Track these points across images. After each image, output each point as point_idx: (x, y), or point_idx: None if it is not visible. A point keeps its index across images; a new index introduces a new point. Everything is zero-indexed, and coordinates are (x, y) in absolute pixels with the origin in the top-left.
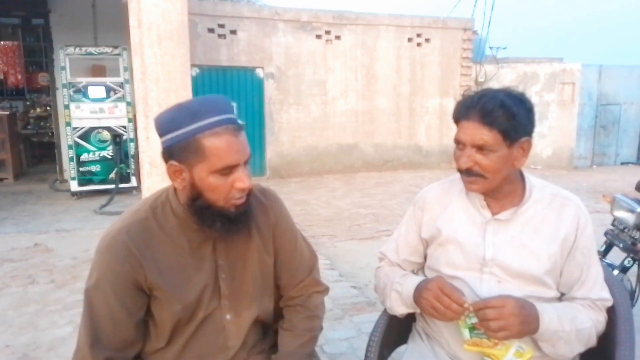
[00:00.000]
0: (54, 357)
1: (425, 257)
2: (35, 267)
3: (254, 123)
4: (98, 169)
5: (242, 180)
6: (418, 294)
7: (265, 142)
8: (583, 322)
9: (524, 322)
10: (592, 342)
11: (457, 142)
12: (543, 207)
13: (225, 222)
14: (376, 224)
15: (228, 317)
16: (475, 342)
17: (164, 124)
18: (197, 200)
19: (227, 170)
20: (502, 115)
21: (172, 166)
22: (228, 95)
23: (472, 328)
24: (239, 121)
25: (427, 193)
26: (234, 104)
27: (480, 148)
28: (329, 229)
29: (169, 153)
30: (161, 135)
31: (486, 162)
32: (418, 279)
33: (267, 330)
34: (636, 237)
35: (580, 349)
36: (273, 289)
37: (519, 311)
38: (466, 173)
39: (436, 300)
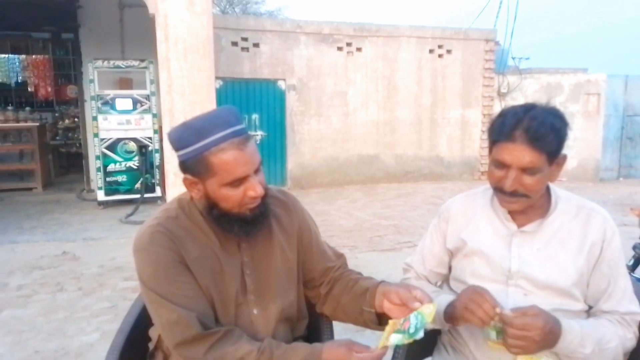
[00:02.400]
0: None
1: (450, 269)
2: (64, 275)
3: (275, 134)
4: (124, 179)
5: (254, 189)
6: (451, 306)
7: (287, 153)
8: (609, 341)
9: (542, 345)
10: (619, 359)
11: (500, 163)
12: (569, 219)
13: (243, 225)
14: (397, 236)
15: (255, 311)
16: (499, 343)
17: (175, 142)
18: (213, 209)
19: (238, 182)
20: (554, 140)
21: (187, 179)
22: (250, 107)
23: (499, 331)
24: (246, 131)
25: (451, 204)
26: (256, 116)
27: (525, 169)
28: (350, 240)
29: (184, 167)
30: (175, 150)
31: (531, 182)
32: (450, 297)
33: (294, 327)
34: None
35: None
36: (298, 285)
37: (542, 338)
38: (510, 194)
39: (470, 301)
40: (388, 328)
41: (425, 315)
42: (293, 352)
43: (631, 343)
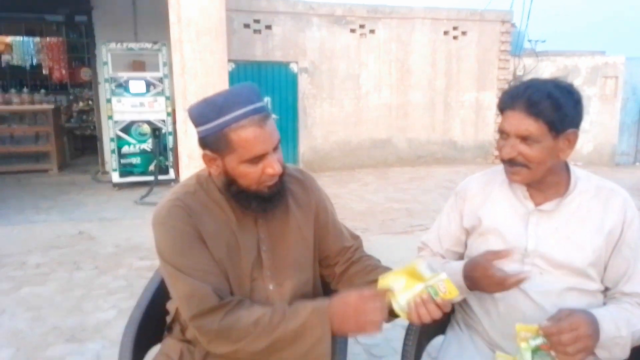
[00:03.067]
0: (99, 339)
1: (466, 247)
2: (80, 254)
3: (287, 117)
4: (138, 161)
5: (272, 166)
6: (467, 276)
7: (299, 137)
8: (636, 324)
9: (595, 339)
10: None
11: (502, 132)
12: (588, 199)
13: (261, 202)
14: (410, 219)
15: (271, 287)
16: None
17: (196, 118)
18: (231, 186)
19: (257, 160)
20: (549, 107)
21: (206, 155)
22: (262, 90)
23: (535, 350)
24: (266, 109)
25: (469, 183)
26: (268, 99)
27: (524, 138)
28: (363, 223)
29: (203, 143)
30: (195, 126)
31: (530, 152)
32: (461, 263)
33: None
34: None
35: (630, 349)
36: (314, 262)
37: (593, 330)
38: (509, 163)
39: (486, 260)
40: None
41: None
42: (303, 305)
43: None
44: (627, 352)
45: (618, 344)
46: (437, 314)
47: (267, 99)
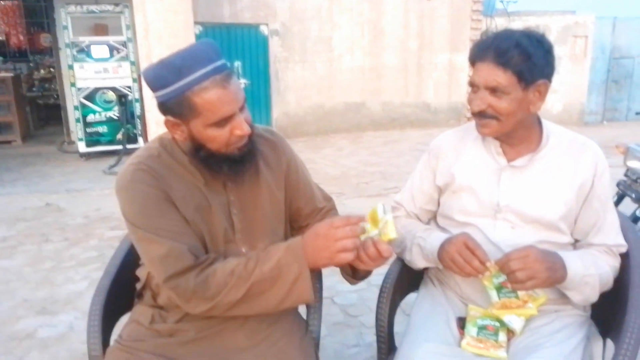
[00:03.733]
0: (71, 310)
1: (439, 205)
2: (48, 226)
3: (259, 82)
4: (105, 130)
5: (240, 127)
6: (442, 251)
7: (271, 102)
8: (602, 266)
9: (549, 268)
10: (609, 285)
11: (472, 84)
12: (560, 153)
13: (232, 164)
14: (384, 182)
15: (243, 249)
16: (504, 303)
17: (152, 81)
18: (199, 151)
19: (223, 122)
20: (517, 56)
21: (168, 121)
22: (232, 54)
23: (499, 288)
24: (227, 67)
25: (441, 140)
26: (238, 63)
27: (493, 90)
28: (337, 187)
29: (164, 108)
30: (152, 90)
31: (499, 104)
32: (443, 235)
33: None
34: None
35: (600, 291)
36: (286, 224)
37: (542, 257)
38: (479, 116)
39: (458, 254)
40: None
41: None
42: (276, 245)
43: (616, 271)
44: (596, 294)
45: (588, 283)
46: (376, 260)
47: (237, 64)
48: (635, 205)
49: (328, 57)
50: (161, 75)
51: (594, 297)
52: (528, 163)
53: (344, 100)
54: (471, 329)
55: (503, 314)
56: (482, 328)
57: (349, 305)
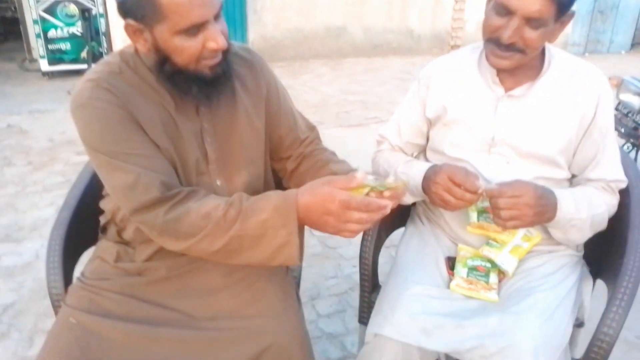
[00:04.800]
0: (37, 238)
1: (427, 139)
2: (11, 149)
3: (234, 2)
4: (68, 47)
5: (215, 39)
6: (427, 186)
7: (247, 23)
8: (598, 206)
9: (538, 213)
10: (603, 226)
11: (503, 8)
12: (562, 81)
13: (203, 86)
14: (365, 111)
15: (218, 182)
16: (481, 225)
17: None
18: (165, 65)
19: (194, 30)
20: None
21: (129, 26)
22: None
23: (481, 211)
24: None
25: (432, 68)
26: None
27: (530, 20)
28: (317, 116)
29: (123, 10)
30: None
31: (533, 36)
32: (424, 166)
33: None
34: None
35: (591, 234)
36: (265, 155)
37: (535, 202)
38: (505, 48)
39: (447, 193)
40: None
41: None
42: (264, 199)
43: (614, 209)
44: (583, 237)
45: (575, 226)
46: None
47: None
48: (622, 141)
49: None
50: None
51: (579, 240)
52: (527, 92)
53: (325, 23)
54: (461, 270)
55: (477, 233)
56: (472, 269)
57: (327, 237)
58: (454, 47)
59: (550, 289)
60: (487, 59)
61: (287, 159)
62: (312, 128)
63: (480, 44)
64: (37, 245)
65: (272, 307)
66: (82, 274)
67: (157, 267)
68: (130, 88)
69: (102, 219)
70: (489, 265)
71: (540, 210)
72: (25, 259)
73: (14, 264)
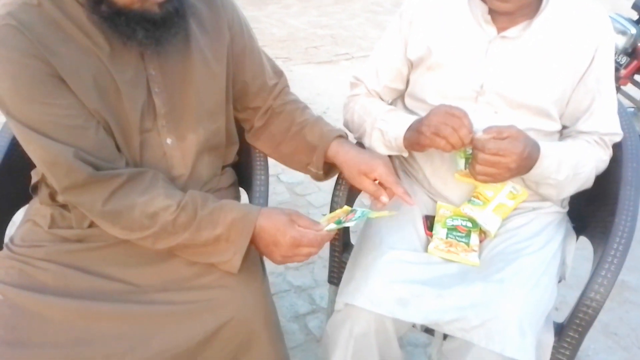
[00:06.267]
0: None
1: (408, 84)
2: None
3: None
4: None
5: None
6: (414, 130)
7: None
8: (584, 165)
9: (515, 172)
10: (589, 184)
11: None
12: (560, 21)
13: (150, 28)
14: (335, 47)
15: (169, 141)
16: (468, 174)
17: None
18: (100, 4)
19: None
20: None
21: None
22: None
23: (469, 158)
24: None
25: (415, 2)
26: None
27: None
28: (284, 51)
29: None
30: None
31: None
32: (408, 118)
33: (225, 165)
34: (621, 63)
35: (571, 192)
36: (227, 105)
37: (517, 164)
38: None
39: (443, 124)
40: (337, 211)
41: (372, 216)
42: (221, 213)
43: (604, 165)
44: (559, 195)
45: (550, 185)
46: None
47: None
48: None
49: None
50: None
51: (554, 196)
52: (522, 33)
53: None
54: (440, 230)
55: (464, 181)
56: (452, 229)
57: (296, 183)
58: None
59: (536, 252)
60: (488, 1)
61: (253, 110)
62: (280, 74)
63: None
64: None
65: (231, 275)
66: (11, 240)
67: (102, 234)
68: (51, 27)
69: (34, 176)
70: (469, 224)
71: (519, 169)
72: None
73: None
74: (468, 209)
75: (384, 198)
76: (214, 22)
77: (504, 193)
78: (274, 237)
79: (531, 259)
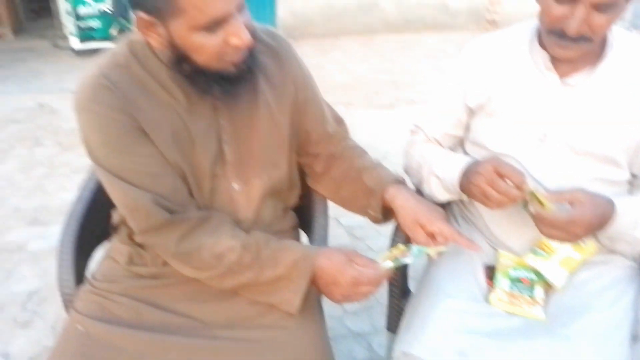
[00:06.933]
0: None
1: (468, 130)
2: (41, 129)
3: None
4: (98, 25)
5: (238, 34)
6: (466, 180)
7: None
8: None
9: (584, 235)
10: None
11: None
12: (626, 66)
13: (226, 84)
14: (396, 92)
15: (236, 186)
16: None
17: None
18: (183, 64)
19: (215, 25)
20: None
21: (141, 20)
22: None
23: (526, 205)
24: None
25: (474, 49)
26: None
27: (599, 6)
28: (345, 96)
29: (134, 1)
30: None
31: (602, 22)
32: (462, 161)
33: (287, 208)
34: None
35: None
36: (289, 153)
37: (587, 230)
38: (571, 39)
39: (489, 187)
40: (393, 250)
41: (429, 253)
42: (283, 253)
43: None
44: (633, 251)
45: (625, 241)
46: None
47: None
48: None
49: None
50: None
51: (627, 253)
52: (585, 80)
53: None
54: (502, 281)
55: (543, 262)
56: (515, 280)
57: (355, 227)
58: (492, 22)
59: (606, 309)
60: (549, 49)
61: (314, 156)
62: (340, 121)
63: (530, 22)
64: None
65: (291, 317)
66: (93, 275)
67: (174, 272)
68: (137, 86)
69: (115, 217)
70: (534, 276)
71: (588, 233)
72: (52, 243)
73: (40, 249)
74: (532, 260)
75: (443, 248)
76: (280, 76)
77: (571, 245)
78: (334, 276)
79: (601, 315)
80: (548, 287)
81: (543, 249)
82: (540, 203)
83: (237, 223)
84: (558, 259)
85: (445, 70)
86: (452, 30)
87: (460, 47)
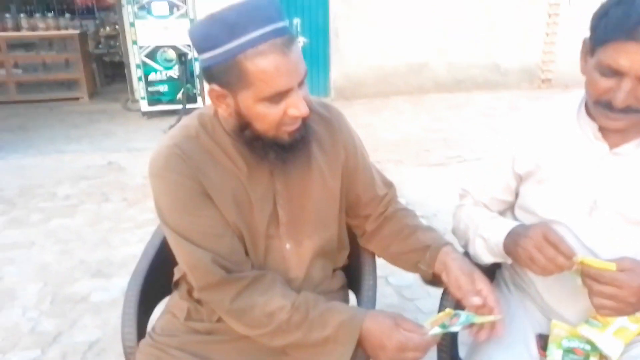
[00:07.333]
0: (125, 275)
1: (516, 195)
2: (109, 185)
3: (318, 41)
4: (166, 89)
5: (297, 106)
6: (512, 242)
7: (330, 62)
8: None
9: (637, 305)
10: None
11: (610, 69)
12: None
13: (280, 151)
14: (446, 150)
15: (288, 246)
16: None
17: (199, 41)
18: (245, 130)
19: (278, 97)
20: None
21: (213, 91)
22: (291, 11)
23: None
24: (290, 30)
25: (524, 117)
26: (297, 20)
27: None
28: (396, 154)
29: (209, 75)
30: (198, 52)
31: None
32: (509, 224)
33: (336, 269)
34: None
35: None
36: (340, 214)
37: (638, 297)
38: (620, 110)
39: (537, 251)
40: (441, 315)
41: (478, 320)
42: (331, 314)
43: None
44: None
45: None
46: None
47: (296, 21)
48: None
49: (391, 14)
50: (210, 34)
51: None
52: (635, 149)
53: (406, 59)
54: (554, 351)
55: (597, 333)
56: (568, 351)
57: (404, 286)
58: (545, 81)
59: None
60: (597, 120)
61: (365, 217)
62: (389, 185)
63: (577, 92)
64: (124, 282)
65: None
66: (153, 329)
67: (227, 329)
68: (205, 154)
69: (176, 274)
70: (588, 347)
71: None
72: (113, 295)
73: (102, 300)
74: (586, 331)
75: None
76: (331, 143)
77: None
78: (380, 340)
79: None
80: (602, 358)
81: (597, 320)
82: (592, 267)
83: (288, 282)
84: (612, 329)
85: (497, 128)
86: (503, 88)
87: (511, 106)
